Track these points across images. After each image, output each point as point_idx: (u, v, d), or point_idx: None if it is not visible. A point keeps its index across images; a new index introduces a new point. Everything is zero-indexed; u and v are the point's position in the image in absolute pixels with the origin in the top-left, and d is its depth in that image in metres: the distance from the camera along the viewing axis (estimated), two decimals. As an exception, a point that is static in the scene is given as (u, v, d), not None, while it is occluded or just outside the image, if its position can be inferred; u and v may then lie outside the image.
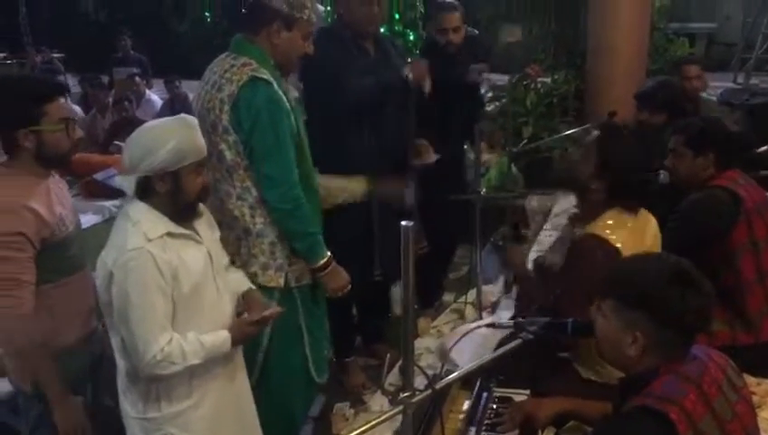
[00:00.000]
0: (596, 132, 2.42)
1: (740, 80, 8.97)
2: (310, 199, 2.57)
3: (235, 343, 2.13)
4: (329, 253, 2.59)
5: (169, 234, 2.02)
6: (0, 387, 2.61)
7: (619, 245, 2.23)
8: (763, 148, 3.46)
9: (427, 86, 3.24)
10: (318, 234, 2.56)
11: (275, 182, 2.45)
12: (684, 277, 1.64)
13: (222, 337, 2.10)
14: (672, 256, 1.78)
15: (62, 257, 2.22)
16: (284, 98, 2.47)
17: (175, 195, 2.03)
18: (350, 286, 2.66)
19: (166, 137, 1.98)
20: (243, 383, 2.33)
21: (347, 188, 3.11)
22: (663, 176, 3.06)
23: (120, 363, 2.12)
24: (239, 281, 2.33)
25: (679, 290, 1.62)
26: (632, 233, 2.29)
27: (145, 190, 2.02)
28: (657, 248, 2.40)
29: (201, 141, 2.07)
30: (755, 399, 2.65)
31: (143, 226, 1.98)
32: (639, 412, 1.57)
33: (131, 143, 2.01)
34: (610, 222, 2.30)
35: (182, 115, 2.10)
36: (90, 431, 2.23)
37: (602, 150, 2.34)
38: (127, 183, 2.02)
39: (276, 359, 2.59)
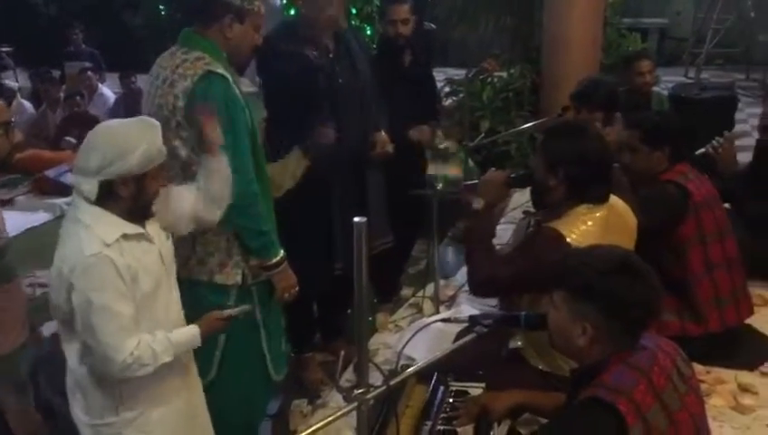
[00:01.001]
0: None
1: (691, 74, 9.15)
2: (263, 196, 2.55)
3: (203, 337, 2.13)
4: (282, 251, 2.58)
5: (125, 236, 1.98)
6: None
7: (575, 244, 2.21)
8: (701, 150, 3.51)
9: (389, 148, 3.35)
10: (272, 232, 2.54)
11: (233, 178, 2.42)
12: (630, 269, 1.67)
13: (191, 332, 2.10)
14: (620, 249, 1.81)
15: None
16: (238, 92, 2.44)
17: (136, 198, 1.99)
18: (297, 288, 2.63)
19: (136, 140, 1.94)
20: (196, 384, 2.31)
21: (287, 169, 3.02)
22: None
23: (78, 371, 2.06)
24: None
25: (625, 281, 1.65)
26: (596, 230, 2.28)
27: (106, 194, 1.95)
28: (633, 237, 2.42)
29: (162, 144, 2.04)
30: (704, 387, 2.72)
31: (97, 230, 1.93)
32: (590, 403, 1.60)
33: (97, 146, 1.93)
34: (573, 219, 2.30)
35: (144, 117, 2.07)
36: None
37: (548, 151, 2.36)
38: (88, 187, 1.94)
39: (234, 356, 2.57)
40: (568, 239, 2.24)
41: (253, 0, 2.45)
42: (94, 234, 1.92)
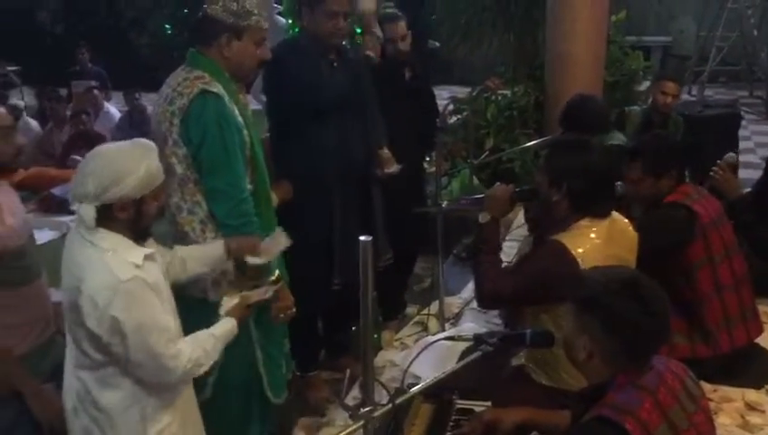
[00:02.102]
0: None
1: (694, 92, 9.19)
2: (263, 214, 2.54)
3: (239, 325, 2.25)
4: (278, 271, 2.56)
5: (145, 256, 2.00)
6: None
7: (580, 258, 2.23)
8: (707, 184, 3.51)
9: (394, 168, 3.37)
10: None
11: (224, 197, 2.42)
12: (637, 292, 1.67)
13: (230, 324, 2.21)
14: (634, 272, 1.82)
15: (15, 267, 2.21)
16: (236, 112, 2.44)
17: (135, 221, 2.01)
18: (294, 309, 2.60)
19: (133, 165, 1.95)
20: (194, 398, 2.32)
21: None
22: (620, 188, 3.08)
23: (103, 398, 2.02)
24: (206, 249, 2.40)
25: (630, 302, 1.65)
26: (601, 243, 2.30)
27: (104, 218, 1.96)
28: (634, 252, 2.43)
29: (160, 165, 2.06)
30: (712, 405, 2.71)
31: (123, 253, 1.95)
32: (596, 423, 1.60)
33: (94, 171, 1.94)
34: (577, 232, 2.32)
35: (139, 140, 2.07)
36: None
37: (552, 166, 2.39)
38: (86, 211, 1.94)
39: (229, 376, 2.53)
40: (573, 253, 2.25)
41: (249, 16, 2.44)
42: (122, 258, 1.94)
